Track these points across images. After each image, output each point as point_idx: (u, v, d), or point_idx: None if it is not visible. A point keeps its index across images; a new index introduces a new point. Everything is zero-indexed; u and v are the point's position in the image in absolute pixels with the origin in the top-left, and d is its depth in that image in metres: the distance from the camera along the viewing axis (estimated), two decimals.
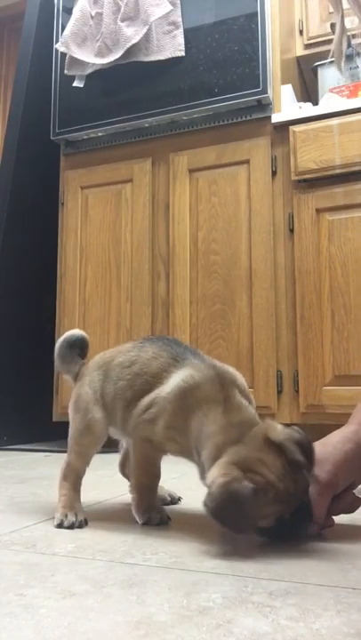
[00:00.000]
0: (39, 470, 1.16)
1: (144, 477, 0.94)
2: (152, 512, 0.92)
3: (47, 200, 2.47)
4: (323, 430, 1.97)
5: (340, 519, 0.85)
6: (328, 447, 0.85)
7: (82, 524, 0.90)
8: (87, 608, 0.56)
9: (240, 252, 2.05)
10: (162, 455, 0.94)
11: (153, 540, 0.82)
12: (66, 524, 0.89)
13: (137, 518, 0.92)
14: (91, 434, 0.96)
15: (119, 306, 2.22)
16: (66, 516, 0.90)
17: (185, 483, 1.33)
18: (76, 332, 1.09)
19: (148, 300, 2.18)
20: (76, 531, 0.88)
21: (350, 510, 0.86)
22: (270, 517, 0.75)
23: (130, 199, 2.27)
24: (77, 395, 1.00)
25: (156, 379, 0.90)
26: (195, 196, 2.16)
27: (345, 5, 0.91)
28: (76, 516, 0.90)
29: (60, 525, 0.89)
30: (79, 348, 1.07)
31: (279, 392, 1.93)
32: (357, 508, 0.85)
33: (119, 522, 0.94)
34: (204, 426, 0.83)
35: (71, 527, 0.88)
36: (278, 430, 0.81)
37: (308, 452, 0.79)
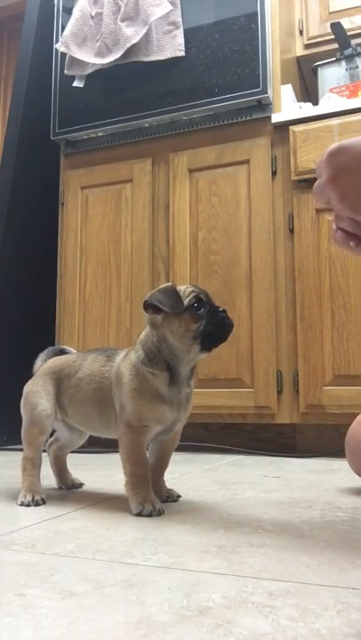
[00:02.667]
0: None
1: (135, 467, 1.03)
2: (145, 504, 0.99)
3: (47, 200, 2.47)
4: (323, 430, 1.97)
5: (340, 519, 0.85)
6: None
7: (38, 502, 1.09)
8: (87, 608, 0.56)
9: (240, 251, 2.05)
10: (146, 440, 1.05)
11: (153, 539, 0.82)
12: (25, 502, 1.08)
13: (132, 509, 0.99)
14: (37, 425, 1.16)
15: (119, 306, 2.22)
16: (25, 497, 1.09)
17: (185, 483, 1.33)
18: (70, 349, 1.31)
19: None
20: (77, 531, 0.88)
21: None
22: (190, 296, 1.00)
23: (130, 199, 2.27)
24: (27, 392, 1.21)
25: (99, 375, 1.11)
26: (195, 196, 2.16)
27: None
28: (34, 497, 1.09)
29: (22, 504, 1.08)
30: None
31: (279, 392, 1.93)
32: None
33: (119, 522, 0.94)
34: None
35: (29, 505, 1.08)
36: None
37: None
